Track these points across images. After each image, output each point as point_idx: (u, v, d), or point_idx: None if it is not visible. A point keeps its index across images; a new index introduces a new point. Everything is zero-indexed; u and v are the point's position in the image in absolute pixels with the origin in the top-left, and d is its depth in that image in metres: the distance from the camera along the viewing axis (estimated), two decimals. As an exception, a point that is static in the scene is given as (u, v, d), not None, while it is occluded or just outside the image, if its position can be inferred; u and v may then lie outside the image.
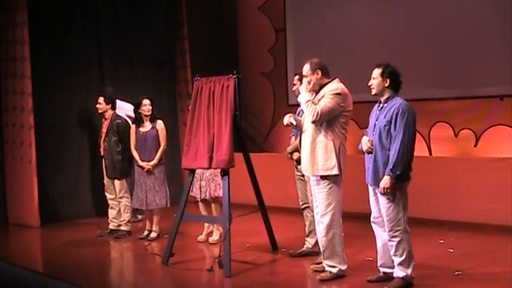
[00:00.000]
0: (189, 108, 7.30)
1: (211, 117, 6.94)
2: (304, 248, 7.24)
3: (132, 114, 9.22)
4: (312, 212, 7.04)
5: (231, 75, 6.89)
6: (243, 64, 11.91)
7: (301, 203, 7.24)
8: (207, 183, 8.03)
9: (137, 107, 8.53)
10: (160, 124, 8.59)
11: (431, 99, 9.32)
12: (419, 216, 8.19)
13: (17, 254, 8.08)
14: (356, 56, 10.09)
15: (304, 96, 6.17)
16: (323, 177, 6.09)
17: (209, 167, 7.04)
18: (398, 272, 5.75)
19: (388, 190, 5.59)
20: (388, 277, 5.90)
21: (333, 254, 6.17)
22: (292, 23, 11.37)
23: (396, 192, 5.63)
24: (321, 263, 6.44)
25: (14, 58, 9.61)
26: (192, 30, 11.65)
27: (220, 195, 7.95)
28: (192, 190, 7.88)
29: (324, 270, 6.28)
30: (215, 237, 8.18)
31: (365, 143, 5.81)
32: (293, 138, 7.19)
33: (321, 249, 6.26)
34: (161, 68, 11.48)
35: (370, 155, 5.77)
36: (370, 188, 5.88)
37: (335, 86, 6.09)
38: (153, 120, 8.55)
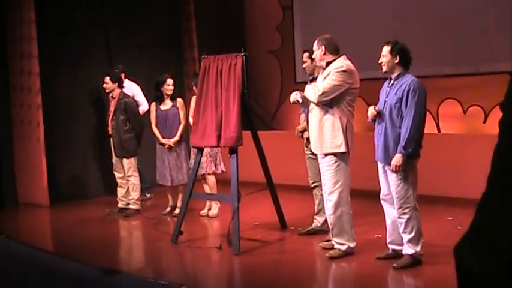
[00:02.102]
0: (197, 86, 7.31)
1: (219, 96, 6.92)
2: (312, 226, 7.25)
3: (140, 99, 9.29)
4: (322, 190, 7.06)
5: (238, 53, 6.86)
6: (250, 42, 11.85)
7: (310, 182, 7.24)
8: (207, 158, 8.12)
9: (160, 85, 8.60)
10: (180, 102, 8.70)
11: (439, 75, 9.27)
12: (428, 193, 8.17)
13: (26, 233, 8.12)
14: (364, 33, 10.03)
15: (306, 90, 6.29)
16: (330, 155, 6.09)
17: (217, 145, 7.05)
18: (407, 249, 5.76)
19: (400, 168, 5.58)
20: (397, 254, 5.91)
21: (341, 232, 6.18)
22: (299, 0, 11.30)
23: (406, 170, 5.62)
24: (329, 240, 6.46)
25: (21, 38, 9.57)
26: (198, 9, 11.59)
27: (218, 171, 8.24)
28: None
29: (332, 248, 6.30)
30: (214, 211, 8.37)
31: (370, 111, 5.81)
32: (303, 115, 7.17)
33: (330, 227, 6.28)
34: (168, 47, 11.42)
35: (379, 131, 5.75)
36: (380, 165, 5.87)
37: (340, 63, 6.07)
38: (173, 98, 8.64)
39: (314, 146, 6.23)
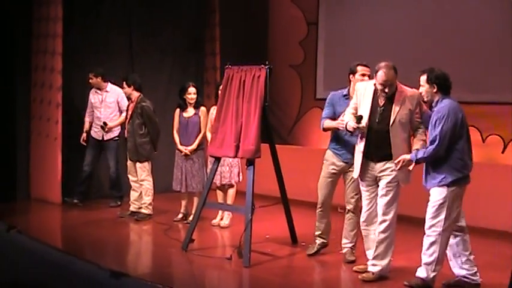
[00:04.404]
0: (219, 95, 7.31)
1: (240, 107, 6.91)
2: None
3: (124, 105, 9.23)
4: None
5: (262, 65, 6.85)
6: (272, 55, 11.83)
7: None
8: (228, 169, 8.15)
9: (182, 92, 8.60)
10: (203, 111, 8.67)
11: (460, 102, 9.17)
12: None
13: (37, 228, 8.12)
14: (387, 55, 9.92)
15: (414, 155, 5.82)
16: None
17: (235, 156, 7.02)
18: (421, 272, 5.69)
19: (402, 163, 5.71)
20: (461, 281, 5.85)
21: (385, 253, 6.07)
22: (325, 17, 11.29)
23: (445, 195, 5.64)
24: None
25: (46, 35, 9.62)
26: (223, 18, 11.60)
27: (237, 180, 8.30)
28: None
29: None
30: (226, 221, 8.38)
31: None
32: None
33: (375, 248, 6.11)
34: (190, 54, 11.44)
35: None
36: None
37: (415, 90, 6.03)
38: (196, 106, 8.64)
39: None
